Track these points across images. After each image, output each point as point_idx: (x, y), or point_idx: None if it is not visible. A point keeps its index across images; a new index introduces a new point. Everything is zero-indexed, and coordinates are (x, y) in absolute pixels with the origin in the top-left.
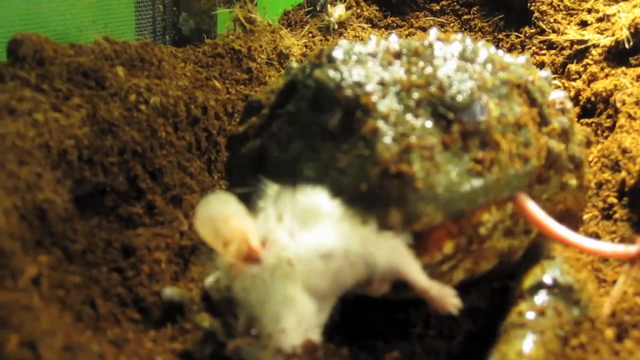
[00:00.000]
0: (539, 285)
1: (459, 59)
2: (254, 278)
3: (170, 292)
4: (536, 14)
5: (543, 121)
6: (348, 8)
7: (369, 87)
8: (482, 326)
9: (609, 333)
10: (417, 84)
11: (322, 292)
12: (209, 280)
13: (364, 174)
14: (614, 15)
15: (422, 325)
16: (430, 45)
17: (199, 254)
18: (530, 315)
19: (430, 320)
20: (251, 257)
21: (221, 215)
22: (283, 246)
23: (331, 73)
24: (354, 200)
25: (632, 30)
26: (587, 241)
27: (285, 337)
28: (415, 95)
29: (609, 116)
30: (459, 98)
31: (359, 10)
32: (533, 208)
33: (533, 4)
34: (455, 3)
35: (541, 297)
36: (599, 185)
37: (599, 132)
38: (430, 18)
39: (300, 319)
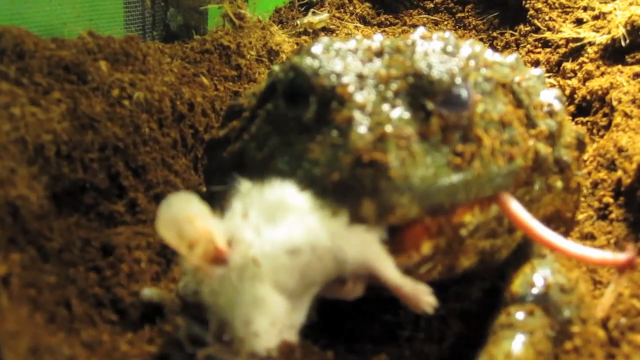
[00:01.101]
0: (529, 285)
1: (440, 53)
2: (221, 280)
3: (149, 292)
4: (531, 12)
5: (530, 123)
6: (337, 8)
7: (346, 79)
8: (473, 328)
9: (605, 336)
10: (395, 76)
11: (292, 290)
12: (181, 284)
13: (337, 163)
14: (610, 12)
15: (411, 327)
16: (413, 43)
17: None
18: (519, 315)
19: (420, 322)
20: (217, 259)
21: (184, 216)
22: (249, 244)
23: (309, 61)
24: (326, 192)
25: (628, 28)
26: (574, 246)
27: (259, 340)
28: (394, 86)
29: (604, 115)
30: (438, 78)
31: (351, 8)
32: (517, 209)
33: (528, 1)
34: (449, 1)
35: (530, 297)
36: (595, 185)
37: (594, 130)
38: (424, 16)
39: (273, 319)
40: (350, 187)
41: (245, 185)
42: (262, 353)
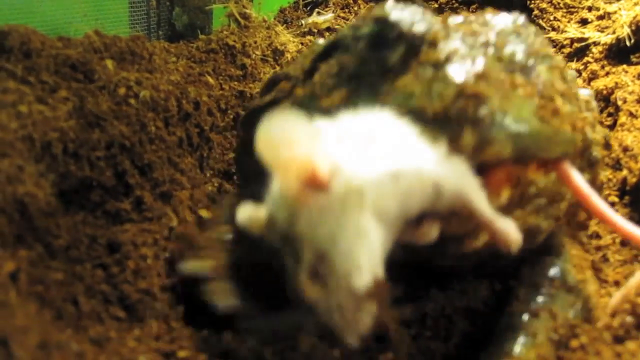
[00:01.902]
0: (537, 285)
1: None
2: (322, 209)
3: (191, 265)
4: (536, 12)
5: (578, 108)
6: (341, 8)
7: (436, 26)
8: (479, 327)
9: (611, 334)
10: (478, 31)
11: (391, 216)
12: (243, 214)
13: (437, 94)
14: (615, 12)
15: (417, 325)
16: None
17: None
18: (524, 316)
19: (426, 320)
20: (318, 186)
21: (284, 138)
22: (351, 172)
23: (395, 13)
24: (423, 121)
25: (633, 27)
26: (624, 222)
27: (360, 277)
28: (481, 38)
29: (609, 114)
30: (517, 57)
31: (355, 8)
32: (577, 177)
33: (533, 2)
34: (453, 1)
35: (537, 298)
36: (601, 184)
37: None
38: None
39: (371, 253)
40: (452, 116)
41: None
42: (361, 290)
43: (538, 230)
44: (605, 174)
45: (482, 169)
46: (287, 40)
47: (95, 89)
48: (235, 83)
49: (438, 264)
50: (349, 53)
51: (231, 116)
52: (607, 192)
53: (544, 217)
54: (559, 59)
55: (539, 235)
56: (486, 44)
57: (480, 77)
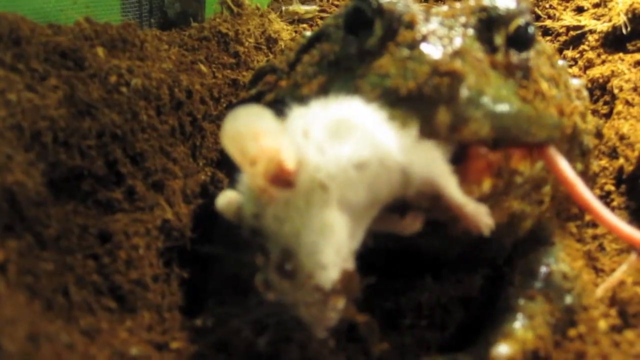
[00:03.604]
0: (532, 272)
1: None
2: (287, 205)
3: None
4: (532, 0)
5: (569, 96)
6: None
7: (414, 8)
8: (474, 316)
9: (608, 324)
10: (460, 12)
11: (358, 206)
12: (222, 200)
13: (411, 73)
14: (611, 0)
15: (412, 315)
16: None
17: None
18: (520, 300)
19: (422, 310)
20: (283, 180)
21: (250, 132)
22: (315, 167)
23: None
24: (397, 103)
25: (629, 15)
26: (608, 213)
27: (326, 274)
28: (461, 20)
29: (606, 103)
30: (505, 9)
31: (343, 2)
32: (563, 164)
33: None
34: None
35: (532, 283)
36: (597, 173)
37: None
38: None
39: (338, 248)
40: (426, 95)
41: (297, 110)
42: (327, 286)
43: (523, 215)
44: (601, 163)
45: (461, 158)
46: (281, 28)
47: (85, 77)
48: (228, 71)
49: (425, 251)
50: (331, 41)
51: (224, 105)
52: (603, 180)
53: (529, 203)
54: (548, 46)
55: (524, 220)
56: (466, 25)
57: (456, 54)
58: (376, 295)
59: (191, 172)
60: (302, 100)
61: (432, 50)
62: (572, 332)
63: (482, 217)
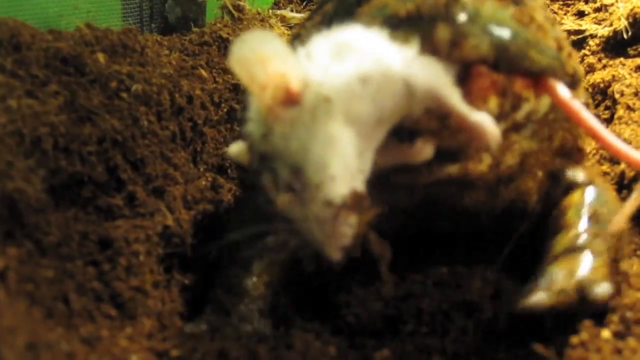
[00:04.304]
0: (586, 212)
1: None
2: (293, 122)
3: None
4: None
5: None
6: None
7: None
8: (476, 321)
9: (611, 331)
10: None
11: (364, 122)
12: (233, 148)
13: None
14: (612, 5)
15: (413, 321)
16: None
17: None
18: (585, 240)
19: (422, 316)
20: (290, 100)
21: (257, 57)
22: (318, 82)
23: None
24: (396, 25)
25: (630, 20)
26: (615, 139)
27: (335, 185)
28: None
29: (607, 108)
30: None
31: None
32: (565, 92)
33: None
34: None
35: (589, 223)
36: None
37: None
38: None
39: (346, 162)
40: (424, 14)
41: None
42: (337, 200)
43: (532, 155)
44: (602, 168)
45: (466, 77)
46: (281, 33)
47: (86, 83)
48: (229, 76)
49: (435, 228)
50: (331, 2)
51: (225, 110)
52: (601, 177)
53: (536, 141)
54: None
55: (536, 165)
56: None
57: None
58: (378, 302)
59: (192, 178)
60: None
61: None
62: (574, 339)
63: (488, 125)
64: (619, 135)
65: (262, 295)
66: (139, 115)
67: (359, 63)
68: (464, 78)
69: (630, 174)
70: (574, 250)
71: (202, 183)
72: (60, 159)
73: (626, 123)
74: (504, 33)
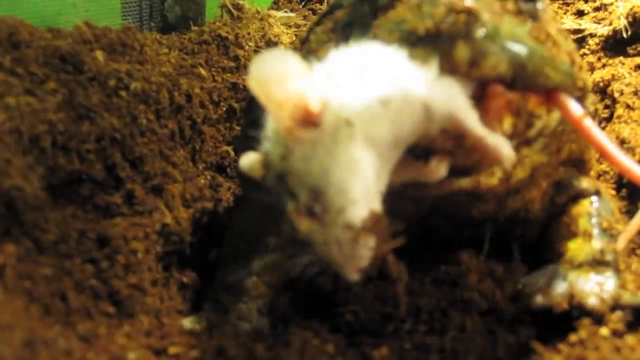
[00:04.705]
0: (597, 223)
1: None
2: (314, 144)
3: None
4: None
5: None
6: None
7: None
8: (474, 320)
9: (609, 329)
10: None
11: (383, 144)
12: (245, 160)
13: (427, 15)
14: (612, 4)
15: (412, 320)
16: None
17: None
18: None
19: (421, 315)
20: (309, 121)
21: (275, 76)
22: (340, 104)
23: None
24: (415, 43)
25: (630, 19)
26: (622, 156)
27: (356, 210)
28: None
29: (606, 107)
30: None
31: None
32: (576, 108)
33: None
34: None
35: (605, 235)
36: (597, 177)
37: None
38: None
39: (366, 185)
40: (444, 32)
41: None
42: (357, 223)
43: (541, 169)
44: (602, 167)
45: (481, 97)
46: (281, 31)
47: (85, 81)
48: (228, 75)
49: (438, 235)
50: (343, 8)
51: (224, 108)
52: (604, 184)
53: (546, 155)
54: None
55: (544, 176)
56: None
57: None
58: (377, 300)
59: (190, 176)
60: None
61: None
62: (573, 338)
63: (503, 148)
64: (618, 134)
65: (261, 295)
66: (137, 113)
67: (380, 85)
68: (480, 97)
69: None
70: (599, 263)
71: (201, 181)
72: (58, 157)
73: (625, 122)
74: (522, 51)
